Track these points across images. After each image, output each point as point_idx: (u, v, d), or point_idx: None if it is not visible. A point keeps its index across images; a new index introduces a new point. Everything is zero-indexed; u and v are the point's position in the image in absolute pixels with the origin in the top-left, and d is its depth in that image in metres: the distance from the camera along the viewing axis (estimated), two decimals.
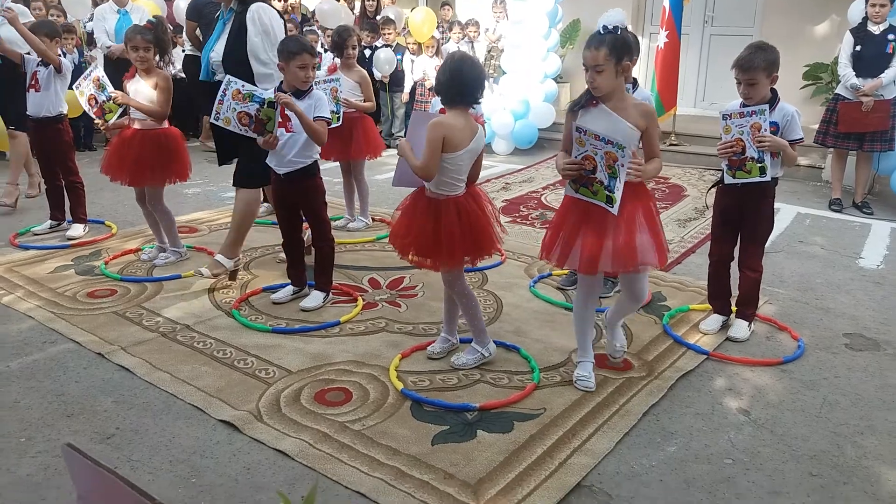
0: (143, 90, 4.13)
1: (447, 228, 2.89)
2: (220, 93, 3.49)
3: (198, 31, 7.22)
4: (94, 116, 4.17)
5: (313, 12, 9.26)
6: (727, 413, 2.86)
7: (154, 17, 4.44)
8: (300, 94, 3.55)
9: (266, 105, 3.47)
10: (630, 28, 3.56)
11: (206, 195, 6.16)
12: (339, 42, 4.93)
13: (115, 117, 4.11)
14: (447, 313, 3.26)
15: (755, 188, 3.30)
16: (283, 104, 3.43)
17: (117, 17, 7.30)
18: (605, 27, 2.63)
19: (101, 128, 4.21)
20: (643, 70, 9.32)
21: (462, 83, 2.85)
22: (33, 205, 5.58)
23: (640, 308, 3.48)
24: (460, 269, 3.07)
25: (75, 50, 7.33)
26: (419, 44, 8.39)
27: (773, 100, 3.26)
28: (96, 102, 4.11)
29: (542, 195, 6.38)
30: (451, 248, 2.90)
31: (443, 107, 4.13)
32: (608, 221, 2.73)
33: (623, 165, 2.62)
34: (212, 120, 3.55)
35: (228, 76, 3.54)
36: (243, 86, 3.49)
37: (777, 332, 3.63)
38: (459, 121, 2.89)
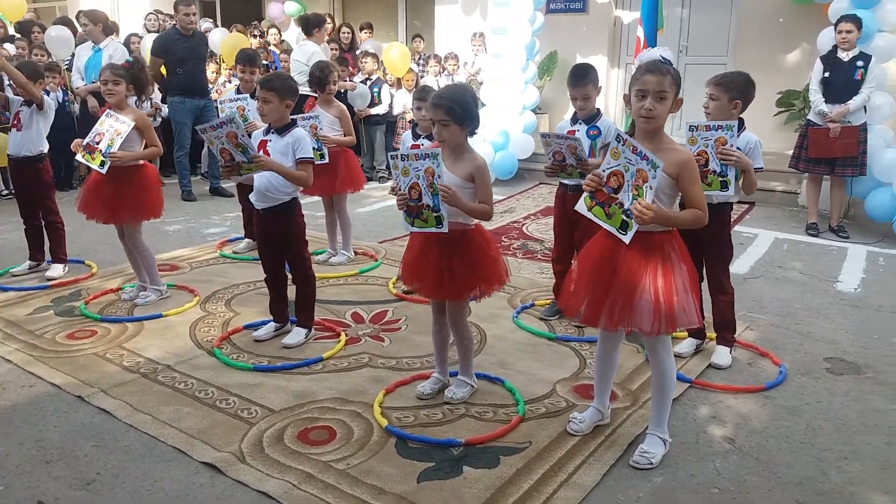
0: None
1: (460, 260, 2.91)
2: (218, 120, 3.47)
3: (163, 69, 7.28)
4: (83, 146, 4.09)
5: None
6: (712, 441, 2.87)
7: (132, 56, 4.46)
8: (281, 130, 3.58)
9: (251, 161, 3.47)
10: (606, 64, 3.68)
11: (188, 232, 6.14)
12: (322, 77, 4.96)
13: (92, 166, 4.06)
14: (439, 351, 3.24)
15: (710, 214, 3.31)
16: (259, 164, 3.44)
17: (90, 55, 7.31)
18: (663, 57, 2.54)
19: (75, 147, 4.14)
20: (618, 100, 9.48)
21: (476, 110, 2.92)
22: (11, 245, 5.52)
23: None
24: (467, 302, 3.10)
25: (59, 89, 7.33)
26: (398, 78, 8.48)
27: (739, 127, 3.34)
28: (97, 142, 4.05)
29: (523, 225, 6.42)
30: (463, 281, 2.92)
31: (416, 143, 4.19)
32: (616, 272, 2.56)
33: (651, 188, 2.44)
34: (198, 128, 3.52)
35: (235, 116, 3.50)
36: (243, 136, 3.42)
37: (758, 358, 3.66)
38: None
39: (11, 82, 4.99)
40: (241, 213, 5.56)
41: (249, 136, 3.53)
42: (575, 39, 9.57)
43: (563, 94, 10.13)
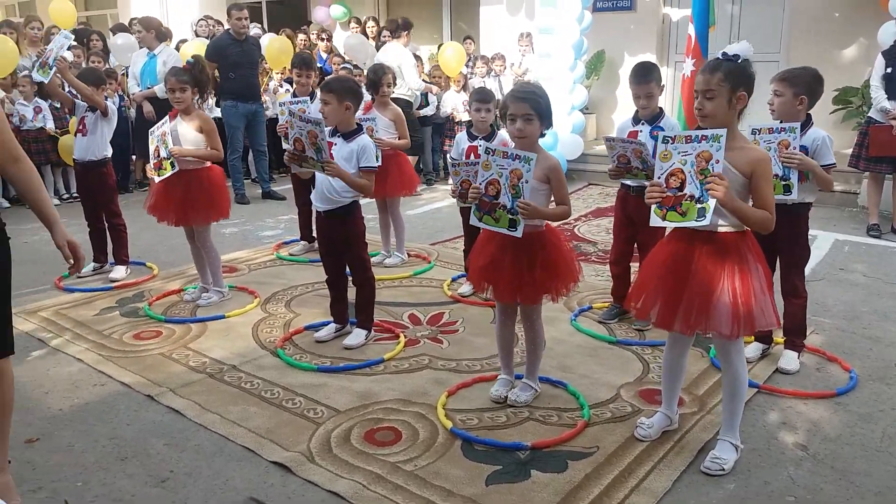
0: (186, 133, 4.23)
1: (539, 263, 2.90)
2: (310, 116, 3.50)
3: (216, 73, 7.39)
4: (153, 167, 4.27)
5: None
6: (784, 448, 2.81)
7: (193, 56, 4.51)
8: (347, 135, 3.62)
9: (320, 163, 3.48)
10: (653, 59, 3.62)
11: (244, 234, 6.24)
12: (375, 80, 5.01)
13: (167, 175, 4.19)
14: (505, 353, 3.24)
15: (786, 214, 3.19)
16: (329, 169, 3.46)
17: (145, 61, 7.48)
18: (724, 53, 2.51)
19: (149, 176, 4.31)
20: (669, 98, 9.35)
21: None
22: None
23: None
24: (541, 303, 3.08)
25: (116, 95, 7.53)
26: (448, 79, 8.49)
27: (806, 123, 3.27)
28: (158, 155, 4.21)
29: (574, 227, 6.38)
30: (542, 283, 2.92)
31: (473, 144, 4.19)
32: (691, 275, 2.51)
33: (718, 161, 2.38)
34: (290, 109, 3.55)
35: (321, 120, 3.46)
36: (323, 139, 3.43)
37: (826, 363, 3.57)
38: None
39: (72, 89, 5.14)
40: (297, 216, 5.63)
41: (290, 111, 3.58)
42: (623, 38, 9.48)
43: (611, 94, 10.11)
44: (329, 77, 3.79)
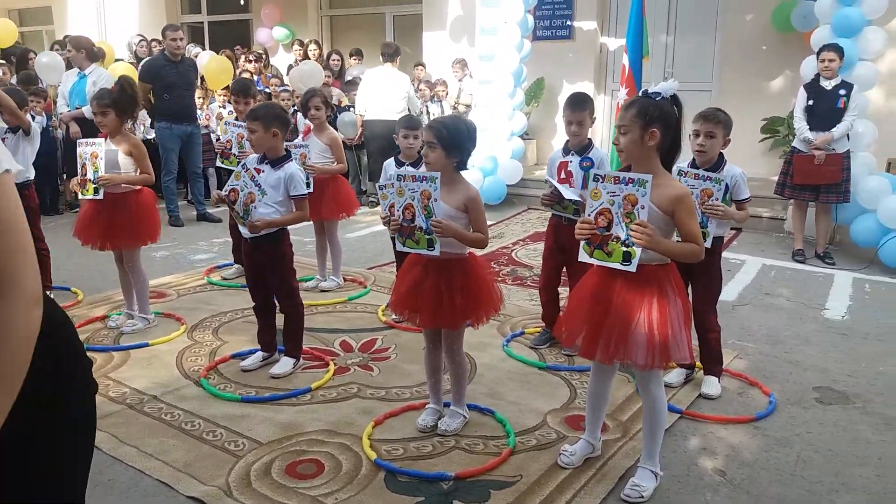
0: (114, 156, 4.11)
1: (458, 289, 2.91)
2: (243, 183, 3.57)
3: (150, 95, 7.25)
4: (78, 182, 4.13)
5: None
6: (703, 474, 2.86)
7: (120, 77, 4.37)
8: (274, 162, 3.60)
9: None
10: (592, 91, 3.69)
11: (175, 258, 6.09)
12: (304, 103, 5.06)
13: (88, 196, 4.08)
14: (433, 383, 3.23)
15: None
16: (255, 229, 3.52)
17: (75, 81, 7.29)
18: (645, 91, 2.57)
19: (72, 188, 4.17)
20: (607, 126, 9.57)
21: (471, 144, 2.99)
22: None
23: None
24: (463, 329, 3.09)
25: (43, 113, 7.30)
26: None
27: (720, 163, 3.40)
28: (85, 173, 4.08)
29: (512, 251, 6.43)
30: (461, 309, 2.92)
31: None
32: (612, 306, 2.54)
33: (644, 207, 2.43)
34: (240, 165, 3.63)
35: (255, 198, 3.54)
36: (254, 207, 3.53)
37: (748, 387, 3.66)
38: None
39: None
40: (230, 238, 5.52)
41: (243, 165, 3.58)
42: (561, 66, 9.67)
43: (550, 120, 10.27)
44: (254, 106, 3.77)
